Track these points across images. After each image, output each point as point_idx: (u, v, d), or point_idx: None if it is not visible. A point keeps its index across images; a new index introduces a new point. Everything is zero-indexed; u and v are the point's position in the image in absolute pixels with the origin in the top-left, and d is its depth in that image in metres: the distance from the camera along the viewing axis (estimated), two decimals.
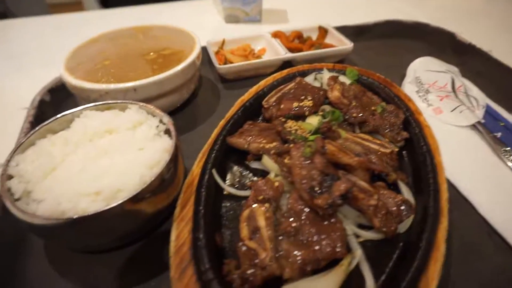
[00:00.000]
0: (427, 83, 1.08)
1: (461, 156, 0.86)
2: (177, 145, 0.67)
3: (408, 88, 1.08)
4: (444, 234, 0.60)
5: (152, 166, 0.64)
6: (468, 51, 1.27)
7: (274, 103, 0.88)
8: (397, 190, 0.72)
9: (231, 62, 1.15)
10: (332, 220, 0.61)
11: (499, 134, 0.90)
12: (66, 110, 0.74)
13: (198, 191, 0.68)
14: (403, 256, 0.62)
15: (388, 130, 0.83)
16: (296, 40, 1.31)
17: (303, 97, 0.87)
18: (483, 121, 0.94)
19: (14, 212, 0.55)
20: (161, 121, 0.74)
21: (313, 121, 0.82)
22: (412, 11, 1.72)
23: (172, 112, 1.00)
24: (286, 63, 1.18)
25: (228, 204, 0.73)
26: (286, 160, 0.71)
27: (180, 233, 0.61)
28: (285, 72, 1.02)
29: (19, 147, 0.66)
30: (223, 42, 1.27)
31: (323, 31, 1.33)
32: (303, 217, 0.62)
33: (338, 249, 0.58)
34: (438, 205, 0.64)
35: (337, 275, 0.56)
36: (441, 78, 1.09)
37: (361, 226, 0.67)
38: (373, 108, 0.87)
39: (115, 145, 0.68)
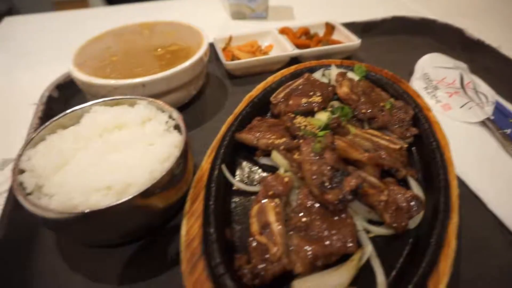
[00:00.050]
0: (435, 79, 1.07)
1: (470, 153, 0.85)
2: (187, 141, 0.67)
3: (417, 84, 1.07)
4: (455, 230, 0.60)
5: (162, 161, 0.64)
6: (476, 47, 1.26)
7: (282, 99, 0.87)
8: (407, 186, 0.72)
9: (239, 59, 1.15)
10: (343, 215, 0.61)
11: (508, 131, 0.90)
12: (74, 106, 0.75)
13: (208, 186, 0.68)
14: (413, 252, 0.62)
15: (397, 126, 0.82)
16: (303, 37, 1.30)
17: (311, 93, 0.87)
18: (492, 117, 0.94)
19: (27, 206, 0.56)
20: (170, 117, 0.74)
21: (322, 117, 0.82)
22: (418, 7, 1.71)
23: (179, 109, 1.00)
24: (293, 60, 1.18)
25: (237, 200, 0.73)
26: (295, 156, 0.71)
27: (190, 228, 0.61)
28: (293, 68, 1.02)
29: (30, 142, 0.67)
30: (230, 38, 1.27)
31: (330, 28, 1.33)
32: (313, 213, 0.62)
33: (349, 244, 0.58)
34: (448, 201, 0.64)
35: (348, 270, 0.56)
36: (449, 74, 1.08)
37: (370, 222, 0.67)
38: (381, 104, 0.86)
39: (125, 140, 0.68)
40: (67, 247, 0.68)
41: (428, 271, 0.54)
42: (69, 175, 0.62)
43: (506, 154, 0.85)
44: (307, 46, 1.22)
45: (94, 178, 0.61)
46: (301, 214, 0.62)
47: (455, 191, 0.66)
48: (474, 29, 1.32)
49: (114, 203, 0.55)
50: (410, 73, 1.16)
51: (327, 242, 0.58)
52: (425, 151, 0.77)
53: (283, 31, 1.29)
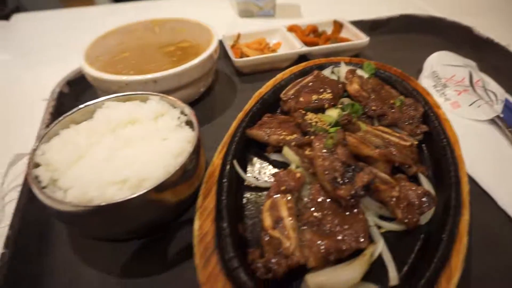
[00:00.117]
0: (444, 77, 1.07)
1: (480, 151, 0.85)
2: (199, 136, 0.68)
3: (425, 82, 1.08)
4: (466, 226, 0.60)
5: (176, 156, 0.64)
6: (485, 45, 1.25)
7: (292, 96, 0.88)
8: (417, 183, 0.72)
9: (247, 56, 1.16)
10: (355, 211, 0.62)
11: None
12: (84, 102, 0.75)
13: (220, 182, 0.68)
14: (425, 247, 0.62)
15: (407, 123, 0.83)
16: (311, 35, 1.31)
17: (322, 90, 0.87)
18: (502, 115, 0.94)
19: (43, 199, 0.56)
20: (182, 113, 0.75)
21: (333, 113, 0.83)
22: (426, 5, 1.71)
23: (189, 105, 1.00)
24: (302, 57, 1.18)
25: (248, 195, 0.73)
26: (307, 152, 0.72)
27: (203, 223, 0.61)
28: (302, 65, 1.02)
29: (45, 137, 0.67)
30: (238, 36, 1.27)
31: (338, 25, 1.33)
32: (325, 208, 0.63)
33: (361, 239, 0.58)
34: (460, 198, 0.64)
35: (360, 264, 0.57)
36: (458, 72, 1.08)
37: (381, 218, 0.67)
38: (391, 101, 0.86)
39: (138, 135, 0.69)
40: (79, 240, 0.69)
41: (440, 266, 0.55)
42: (84, 169, 0.62)
43: None
44: (316, 44, 1.22)
45: (109, 172, 0.61)
46: (313, 209, 0.63)
47: (465, 188, 0.66)
48: (483, 28, 1.32)
49: (130, 197, 0.55)
50: (418, 71, 1.16)
51: (340, 237, 0.58)
52: (435, 148, 0.78)
53: (292, 28, 1.29)
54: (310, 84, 0.91)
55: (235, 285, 0.53)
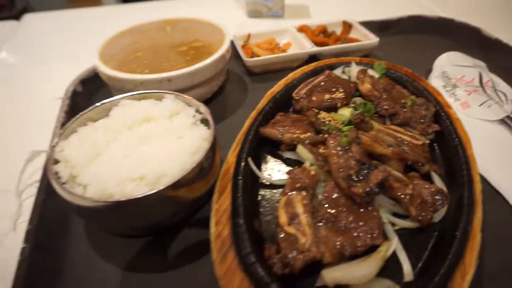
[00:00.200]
0: (454, 77, 1.08)
1: (491, 151, 0.86)
2: (215, 134, 0.69)
3: (435, 82, 1.08)
4: (479, 224, 0.61)
5: (193, 153, 0.65)
6: (494, 46, 1.26)
7: (304, 95, 0.89)
8: (430, 181, 0.73)
9: (258, 56, 1.17)
10: (369, 208, 0.63)
11: None
12: (98, 100, 0.76)
13: (235, 179, 0.69)
14: (438, 244, 0.63)
15: (418, 122, 0.83)
16: (321, 35, 1.31)
17: (334, 89, 0.88)
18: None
19: (64, 194, 0.58)
20: (197, 111, 0.76)
21: (345, 112, 0.84)
22: (435, 6, 1.71)
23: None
24: (312, 57, 1.19)
25: (263, 192, 0.74)
26: (321, 150, 0.73)
27: (219, 219, 0.62)
28: (313, 65, 1.03)
29: (63, 134, 0.69)
30: (249, 36, 1.28)
31: (347, 26, 1.34)
32: (340, 205, 0.63)
33: (376, 236, 0.59)
34: (472, 196, 0.65)
35: (375, 261, 0.57)
36: (468, 72, 1.09)
37: (395, 215, 0.68)
38: (403, 101, 0.87)
39: (154, 133, 0.70)
40: (97, 236, 0.70)
41: (455, 262, 0.56)
42: (103, 165, 0.63)
43: None
44: (326, 44, 1.23)
45: (126, 169, 0.62)
46: (328, 206, 0.64)
47: (478, 186, 0.67)
48: (491, 29, 1.32)
49: (148, 193, 0.56)
50: (428, 71, 1.16)
51: (355, 234, 0.59)
52: (447, 147, 0.78)
53: (301, 29, 1.30)
54: (322, 83, 0.92)
55: (253, 280, 0.54)
